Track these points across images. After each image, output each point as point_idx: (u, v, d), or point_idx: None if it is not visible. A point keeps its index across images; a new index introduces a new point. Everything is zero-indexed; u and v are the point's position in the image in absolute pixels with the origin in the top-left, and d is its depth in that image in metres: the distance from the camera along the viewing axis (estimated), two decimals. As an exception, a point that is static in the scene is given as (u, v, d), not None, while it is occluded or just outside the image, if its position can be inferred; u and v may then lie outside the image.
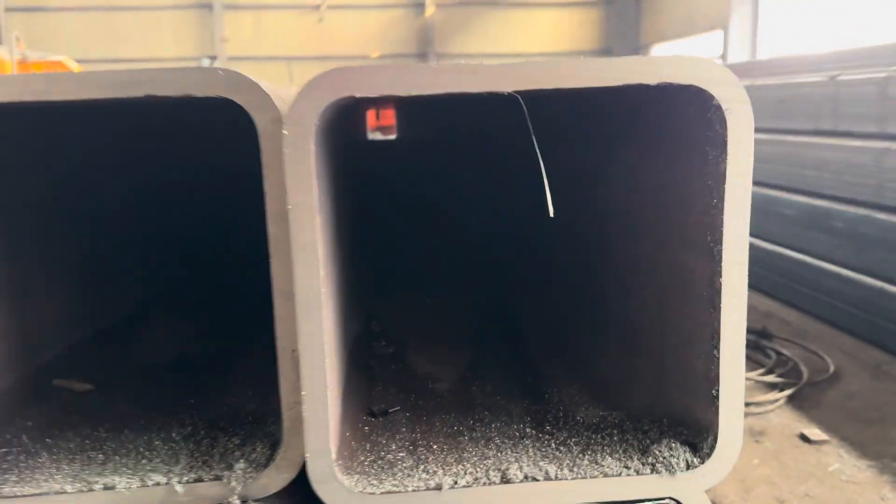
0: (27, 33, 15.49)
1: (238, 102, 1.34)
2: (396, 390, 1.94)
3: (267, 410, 1.74)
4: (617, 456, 1.50)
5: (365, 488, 1.43)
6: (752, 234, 1.40)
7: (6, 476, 1.49)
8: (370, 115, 7.88)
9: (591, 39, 28.04)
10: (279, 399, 1.46)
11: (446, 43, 27.67)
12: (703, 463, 1.45)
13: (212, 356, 2.30)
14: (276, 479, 1.46)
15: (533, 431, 1.65)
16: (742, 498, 3.44)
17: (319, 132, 1.34)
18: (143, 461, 1.54)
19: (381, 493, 1.42)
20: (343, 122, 1.93)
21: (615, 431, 1.60)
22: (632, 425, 1.62)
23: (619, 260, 1.89)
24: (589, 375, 1.94)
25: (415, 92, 1.27)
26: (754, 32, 19.18)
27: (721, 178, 1.35)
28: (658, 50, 25.88)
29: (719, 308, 1.39)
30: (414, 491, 1.43)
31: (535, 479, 1.44)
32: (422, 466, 1.50)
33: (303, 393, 1.39)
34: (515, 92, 1.28)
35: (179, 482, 1.44)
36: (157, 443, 1.62)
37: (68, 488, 1.44)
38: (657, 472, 1.45)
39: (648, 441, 1.54)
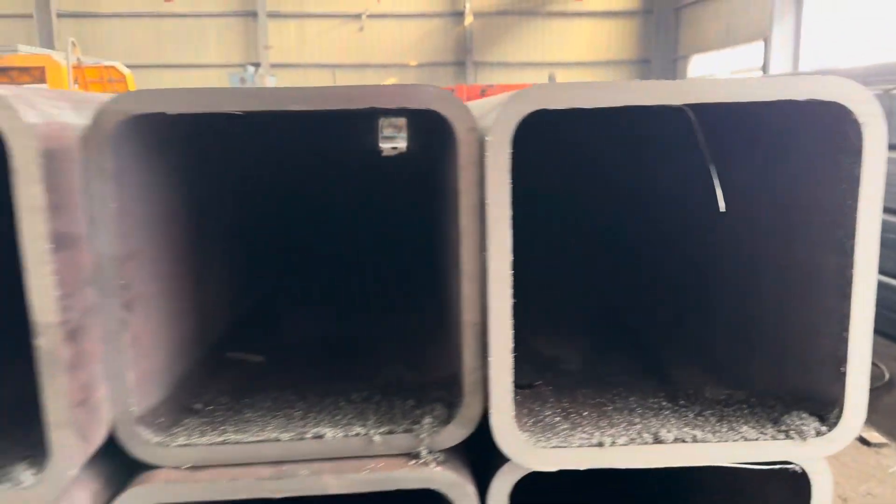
0: (77, 38, 16.07)
1: (442, 114, 1.59)
2: (530, 368, 2.17)
3: (426, 380, 1.98)
4: (751, 425, 1.72)
5: (537, 442, 1.66)
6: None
7: (224, 427, 1.75)
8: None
9: (629, 49, 28.08)
10: (461, 365, 1.70)
11: (484, 52, 27.96)
12: (830, 430, 1.66)
13: (348, 338, 2.56)
14: (455, 433, 1.71)
15: (669, 405, 1.87)
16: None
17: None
18: (338, 416, 1.79)
19: (552, 448, 1.65)
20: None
21: (744, 406, 1.82)
22: (758, 401, 1.84)
23: (737, 257, 2.11)
24: (707, 360, 2.15)
25: (600, 104, 1.51)
26: (797, 44, 19.07)
27: (856, 182, 1.57)
28: (697, 61, 25.78)
29: (849, 296, 1.61)
30: (579, 447, 1.66)
31: (683, 441, 1.67)
32: (579, 428, 1.74)
33: (489, 359, 1.63)
34: (686, 105, 1.51)
35: (377, 433, 1.70)
36: (342, 404, 1.86)
37: (283, 437, 1.70)
38: (790, 438, 1.66)
39: (777, 413, 1.76)
